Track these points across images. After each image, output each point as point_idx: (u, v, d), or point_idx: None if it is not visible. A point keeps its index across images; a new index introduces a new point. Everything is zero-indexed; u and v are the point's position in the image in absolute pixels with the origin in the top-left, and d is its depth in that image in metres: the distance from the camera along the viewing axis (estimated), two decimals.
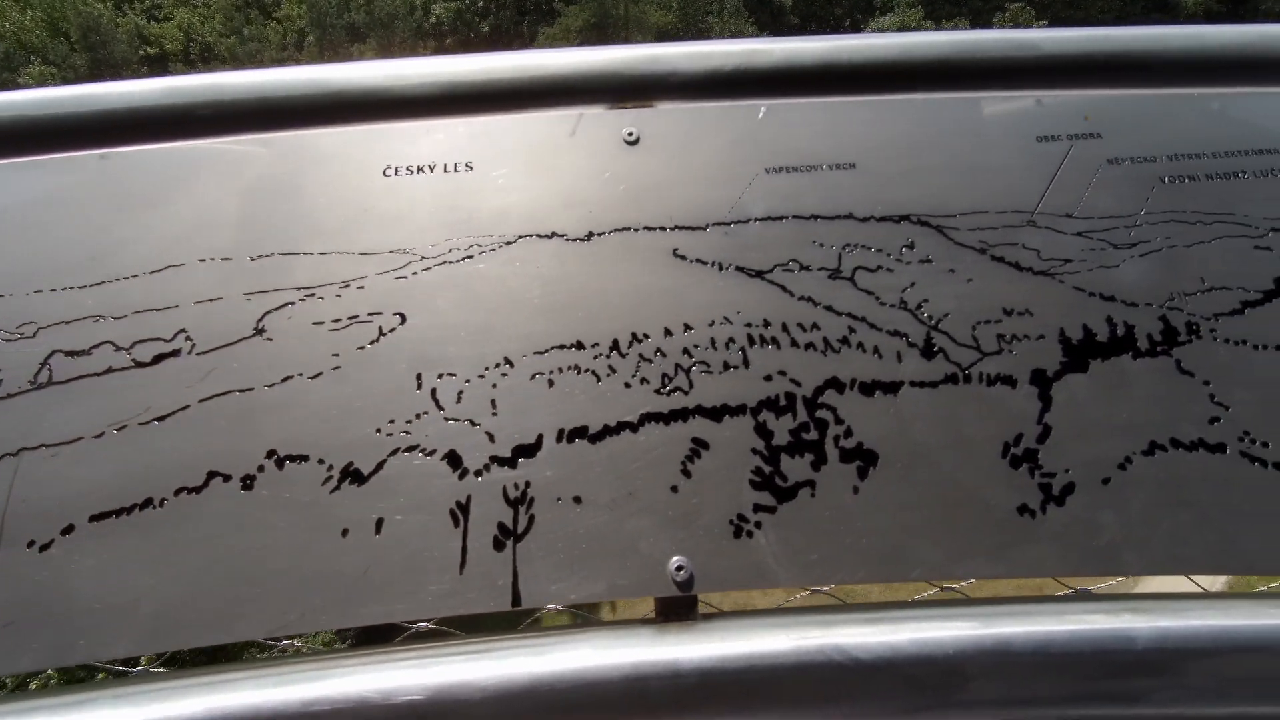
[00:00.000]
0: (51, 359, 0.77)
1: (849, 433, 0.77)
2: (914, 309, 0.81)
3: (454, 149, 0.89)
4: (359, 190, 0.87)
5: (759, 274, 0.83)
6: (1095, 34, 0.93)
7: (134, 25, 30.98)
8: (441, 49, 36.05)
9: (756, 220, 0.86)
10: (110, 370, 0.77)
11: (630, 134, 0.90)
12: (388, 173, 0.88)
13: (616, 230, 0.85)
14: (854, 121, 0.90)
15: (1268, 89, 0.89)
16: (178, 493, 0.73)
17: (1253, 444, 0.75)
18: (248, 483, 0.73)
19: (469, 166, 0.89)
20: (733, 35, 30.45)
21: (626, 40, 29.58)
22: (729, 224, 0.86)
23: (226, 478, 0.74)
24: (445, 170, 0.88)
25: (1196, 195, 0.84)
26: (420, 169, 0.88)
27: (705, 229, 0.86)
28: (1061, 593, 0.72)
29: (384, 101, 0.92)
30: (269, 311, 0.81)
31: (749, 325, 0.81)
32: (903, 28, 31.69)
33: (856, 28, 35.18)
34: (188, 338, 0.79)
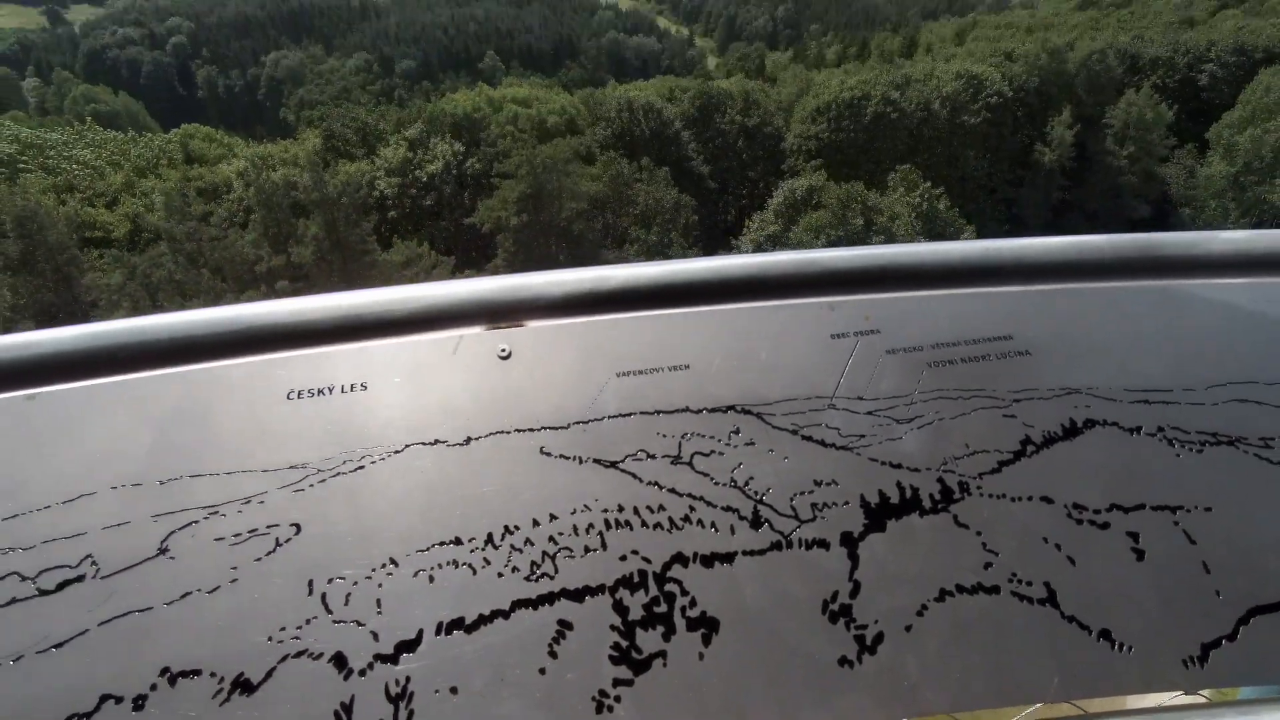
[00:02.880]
0: None
1: (694, 603, 0.89)
2: (742, 486, 0.97)
3: (350, 372, 1.05)
4: (264, 414, 1.00)
5: (613, 464, 0.98)
6: (869, 251, 1.19)
7: (74, 212, 31.70)
8: (385, 221, 37.98)
9: (610, 417, 1.02)
10: (14, 601, 0.83)
11: (503, 350, 1.08)
12: (291, 396, 1.02)
13: (492, 434, 1.00)
14: (686, 330, 1.11)
15: (998, 288, 1.15)
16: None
17: (1020, 584, 0.90)
18: (139, 703, 0.79)
19: (364, 386, 1.03)
20: (658, 199, 33.29)
21: (560, 209, 31.89)
22: (587, 422, 1.02)
23: (119, 699, 0.79)
24: (342, 391, 1.03)
25: (955, 375, 1.06)
26: (320, 391, 1.03)
27: (568, 428, 1.01)
28: None
29: (288, 334, 1.08)
30: (174, 531, 0.90)
31: (605, 511, 0.95)
32: (810, 189, 35.24)
33: (769, 189, 39.13)
34: (93, 563, 0.86)
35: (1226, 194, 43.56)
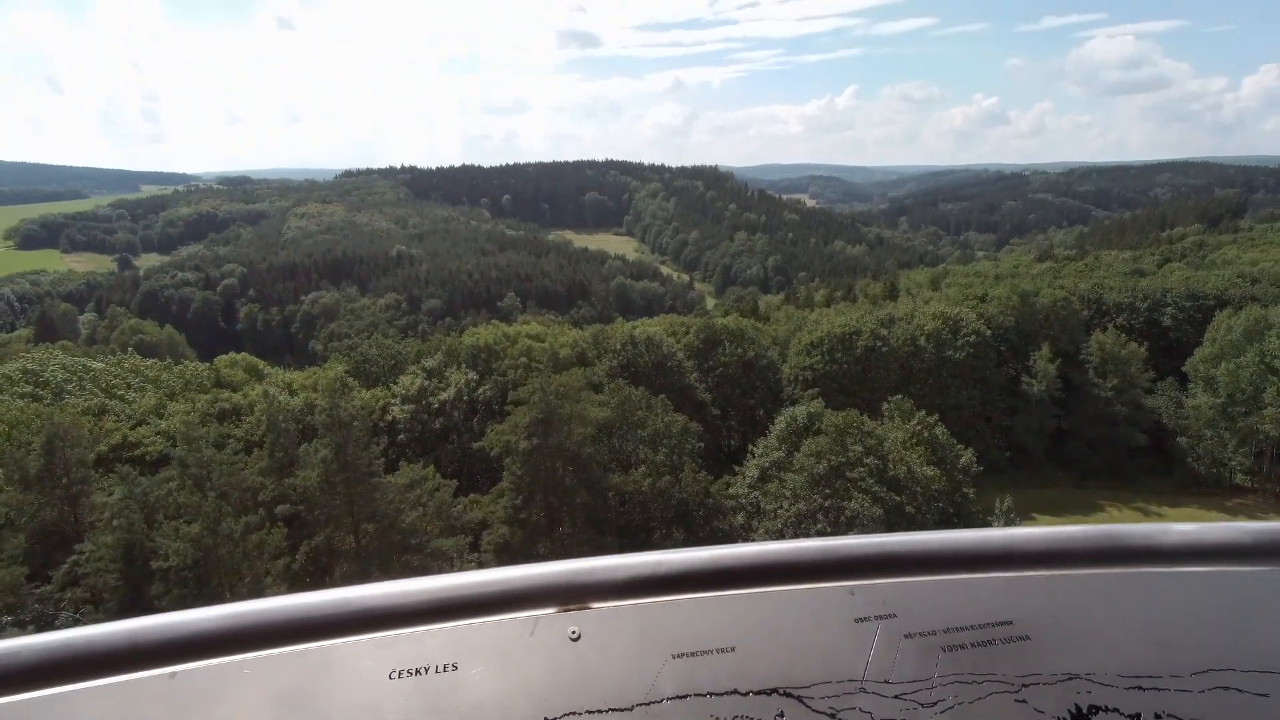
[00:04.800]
0: None
1: None
2: None
3: (443, 652, 1.21)
4: (370, 694, 1.15)
5: None
6: (881, 540, 1.41)
7: (105, 432, 32.82)
8: (395, 445, 38.88)
9: (668, 699, 1.16)
10: None
11: (574, 632, 1.25)
12: (393, 676, 1.17)
13: (565, 715, 1.14)
14: (730, 611, 1.29)
15: (993, 574, 1.35)
16: None
17: None
18: None
19: (454, 667, 1.19)
20: (666, 426, 34.33)
21: (570, 435, 32.78)
22: (649, 704, 1.16)
23: None
24: (436, 671, 1.18)
25: (968, 660, 1.22)
26: (417, 671, 1.18)
27: (631, 709, 1.15)
28: None
29: (391, 615, 1.26)
30: None
31: None
32: (811, 415, 36.44)
33: (769, 416, 40.56)
34: None
35: (1219, 423, 44.75)
